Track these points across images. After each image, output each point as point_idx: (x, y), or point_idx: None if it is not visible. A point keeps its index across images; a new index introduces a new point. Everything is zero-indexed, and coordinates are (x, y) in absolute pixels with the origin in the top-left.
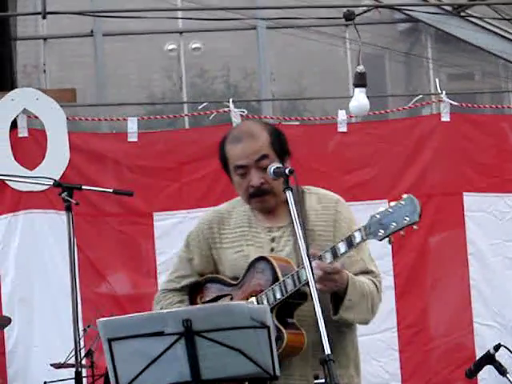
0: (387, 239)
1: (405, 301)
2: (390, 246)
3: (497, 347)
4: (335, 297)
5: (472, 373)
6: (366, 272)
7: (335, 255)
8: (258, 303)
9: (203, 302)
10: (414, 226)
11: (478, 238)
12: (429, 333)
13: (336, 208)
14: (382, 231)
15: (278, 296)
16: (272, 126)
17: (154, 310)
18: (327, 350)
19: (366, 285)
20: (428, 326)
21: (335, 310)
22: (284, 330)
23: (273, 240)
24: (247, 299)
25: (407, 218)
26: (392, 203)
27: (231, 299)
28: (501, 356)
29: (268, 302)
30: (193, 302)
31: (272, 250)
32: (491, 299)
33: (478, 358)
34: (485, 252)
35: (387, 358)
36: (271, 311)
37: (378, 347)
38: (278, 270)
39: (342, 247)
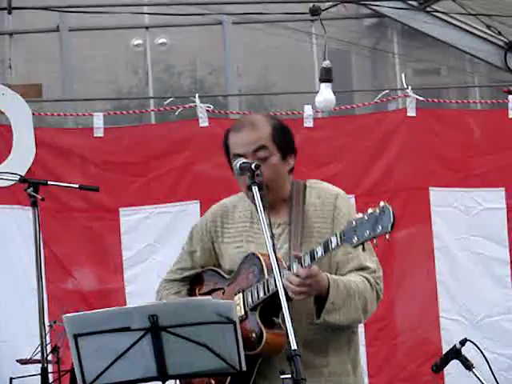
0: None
1: None
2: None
3: (463, 342)
4: (319, 300)
5: (438, 367)
6: (362, 268)
7: (313, 258)
8: (243, 300)
9: (200, 294)
10: (387, 236)
11: (444, 232)
12: (395, 327)
13: (335, 204)
14: (356, 238)
15: (261, 295)
16: (279, 120)
17: (155, 299)
18: (293, 345)
19: (355, 284)
20: (394, 321)
21: (318, 313)
22: (264, 330)
23: (272, 237)
24: (235, 295)
25: (380, 228)
26: (369, 210)
27: (223, 293)
28: (467, 351)
29: (252, 299)
30: (192, 293)
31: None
32: (457, 294)
33: (444, 352)
34: (451, 247)
35: None
36: (255, 309)
37: None
38: (264, 267)
39: (319, 251)
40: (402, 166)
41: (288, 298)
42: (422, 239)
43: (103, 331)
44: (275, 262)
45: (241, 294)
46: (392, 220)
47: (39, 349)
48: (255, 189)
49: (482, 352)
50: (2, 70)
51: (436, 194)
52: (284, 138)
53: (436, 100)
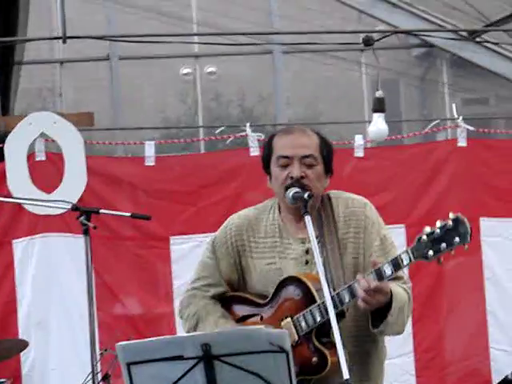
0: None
1: (421, 325)
2: (406, 270)
3: None
4: (376, 310)
5: None
6: (396, 278)
7: (380, 277)
8: (294, 325)
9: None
10: (465, 246)
11: (494, 262)
12: (445, 358)
13: (365, 213)
14: (432, 252)
15: (318, 319)
16: (323, 136)
17: (184, 313)
18: (345, 375)
19: (403, 296)
20: (444, 351)
21: (376, 323)
22: (328, 353)
23: (307, 252)
24: (281, 320)
25: (457, 239)
26: (438, 223)
27: (261, 319)
28: None
29: (307, 324)
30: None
31: (307, 262)
32: (507, 324)
33: (495, 383)
34: (501, 277)
35: (404, 383)
36: (310, 333)
37: (394, 372)
38: (313, 291)
39: (387, 270)
40: (452, 196)
41: (343, 315)
42: (472, 269)
43: (156, 359)
44: (327, 290)
45: (289, 319)
46: (470, 230)
47: (90, 377)
48: (308, 218)
49: None
50: (52, 98)
51: (486, 225)
52: (328, 153)
53: (487, 130)
